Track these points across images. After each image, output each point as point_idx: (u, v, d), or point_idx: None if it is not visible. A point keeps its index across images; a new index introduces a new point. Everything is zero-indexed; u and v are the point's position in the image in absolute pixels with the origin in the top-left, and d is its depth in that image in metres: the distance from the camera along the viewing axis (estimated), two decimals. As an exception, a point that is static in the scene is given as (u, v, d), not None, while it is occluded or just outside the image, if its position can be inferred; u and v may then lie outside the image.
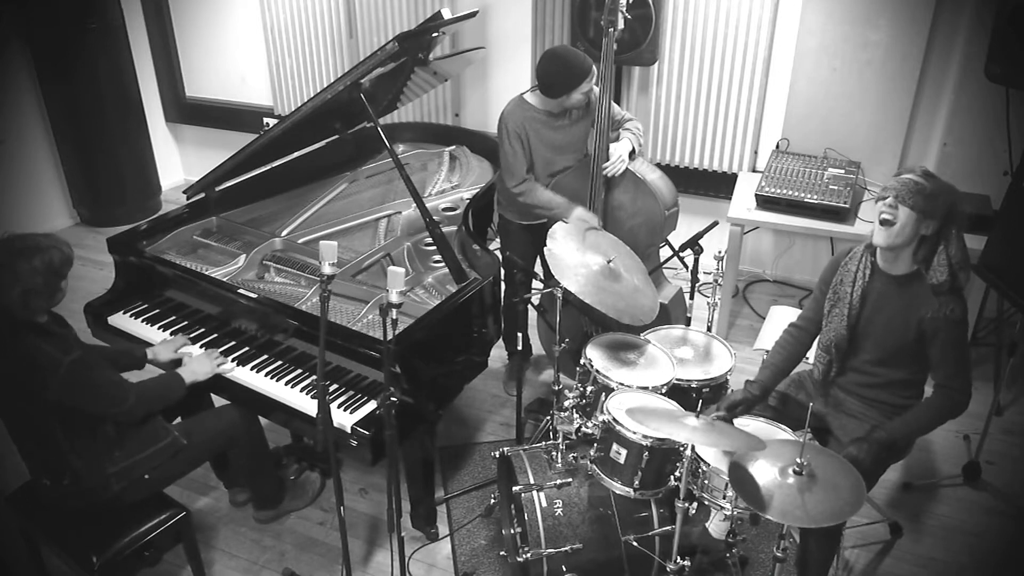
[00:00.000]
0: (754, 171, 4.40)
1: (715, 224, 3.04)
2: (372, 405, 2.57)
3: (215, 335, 2.91)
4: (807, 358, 2.78)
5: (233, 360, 2.78)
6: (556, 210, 3.11)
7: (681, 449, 2.25)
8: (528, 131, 3.15)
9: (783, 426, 2.49)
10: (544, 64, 3.05)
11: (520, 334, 3.07)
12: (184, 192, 3.32)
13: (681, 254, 3.12)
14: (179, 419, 2.90)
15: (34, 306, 2.27)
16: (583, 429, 2.61)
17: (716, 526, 2.81)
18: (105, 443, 2.45)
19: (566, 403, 2.70)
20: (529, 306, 3.05)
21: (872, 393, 2.53)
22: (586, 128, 3.24)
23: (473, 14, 3.44)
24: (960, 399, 2.39)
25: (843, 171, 3.92)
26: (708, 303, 3.03)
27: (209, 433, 2.71)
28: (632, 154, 3.19)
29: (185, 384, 2.63)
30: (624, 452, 2.38)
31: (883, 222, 2.30)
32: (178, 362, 2.78)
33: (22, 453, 2.50)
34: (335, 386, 2.65)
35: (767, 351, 2.80)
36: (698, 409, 2.14)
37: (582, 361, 2.74)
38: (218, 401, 2.92)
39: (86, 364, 2.34)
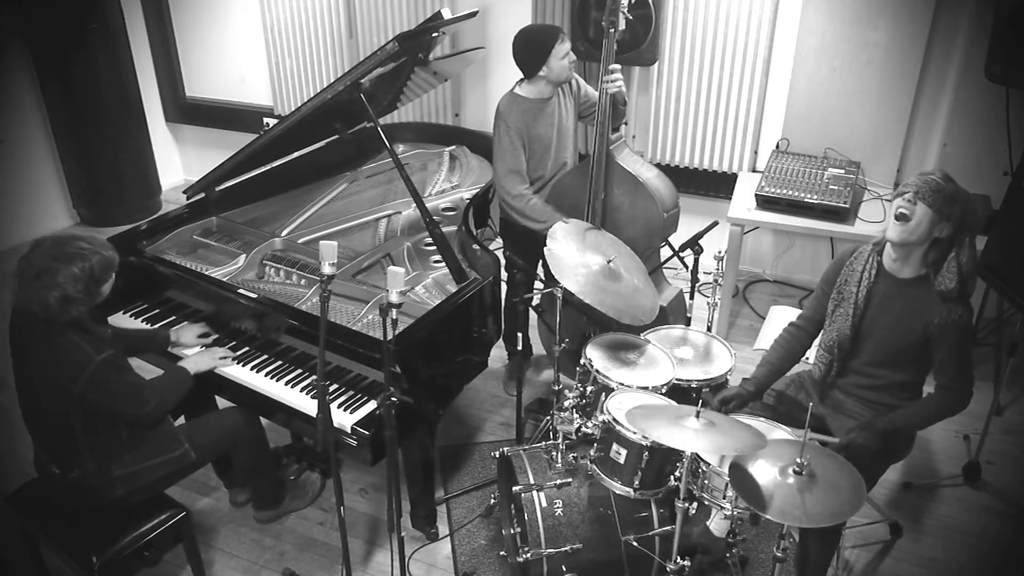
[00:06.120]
0: (754, 171, 4.40)
1: (715, 224, 3.04)
2: (372, 405, 2.57)
3: (215, 335, 2.90)
4: (806, 358, 2.77)
5: (233, 360, 2.78)
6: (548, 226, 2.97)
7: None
8: (526, 125, 3.18)
9: (782, 426, 2.49)
10: (515, 47, 3.15)
11: (520, 334, 3.07)
12: (184, 192, 3.32)
13: (681, 254, 3.12)
14: (182, 417, 2.91)
15: (72, 311, 2.29)
16: (583, 429, 2.60)
17: (717, 524, 2.81)
18: (118, 445, 2.46)
19: (566, 403, 2.69)
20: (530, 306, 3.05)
21: (871, 395, 2.53)
22: (575, 107, 3.32)
23: (473, 14, 3.45)
24: (962, 400, 2.40)
25: (843, 171, 3.92)
26: (708, 303, 3.03)
27: (211, 436, 2.71)
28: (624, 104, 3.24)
29: (191, 376, 2.64)
30: (624, 452, 2.38)
31: (899, 217, 2.27)
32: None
33: (36, 440, 2.50)
34: (335, 386, 2.65)
35: (767, 351, 2.80)
36: (698, 408, 2.14)
37: (582, 361, 2.73)
38: (219, 402, 2.93)
39: (115, 365, 2.35)
